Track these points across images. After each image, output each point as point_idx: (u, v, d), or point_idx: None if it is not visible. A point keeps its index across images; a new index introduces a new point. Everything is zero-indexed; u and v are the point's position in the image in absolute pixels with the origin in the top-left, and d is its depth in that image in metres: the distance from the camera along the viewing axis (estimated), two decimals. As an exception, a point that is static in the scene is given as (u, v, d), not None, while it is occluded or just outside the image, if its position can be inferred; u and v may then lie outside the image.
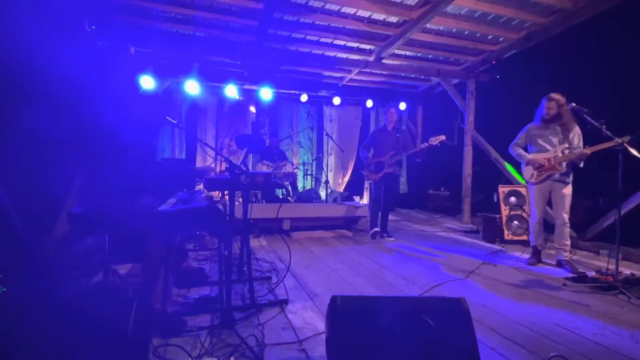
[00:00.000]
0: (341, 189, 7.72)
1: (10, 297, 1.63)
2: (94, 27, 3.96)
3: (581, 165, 3.22)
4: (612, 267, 2.84)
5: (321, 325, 2.07)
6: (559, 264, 3.38)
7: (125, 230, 2.03)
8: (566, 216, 3.27)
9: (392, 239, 4.49)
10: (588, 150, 3.09)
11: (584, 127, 3.06)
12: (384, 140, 4.57)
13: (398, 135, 4.55)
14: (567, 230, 3.28)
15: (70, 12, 3.11)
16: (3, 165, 2.15)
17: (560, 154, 3.24)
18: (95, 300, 1.69)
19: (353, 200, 6.31)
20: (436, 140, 4.13)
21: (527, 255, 3.71)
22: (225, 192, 4.06)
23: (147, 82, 5.30)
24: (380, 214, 4.59)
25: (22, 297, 1.60)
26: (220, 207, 2.67)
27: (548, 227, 3.65)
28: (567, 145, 3.24)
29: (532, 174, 3.43)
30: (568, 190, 3.28)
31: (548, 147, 3.34)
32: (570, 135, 3.26)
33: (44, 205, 2.44)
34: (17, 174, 2.23)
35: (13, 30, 2.18)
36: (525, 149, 3.58)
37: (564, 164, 3.24)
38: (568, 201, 3.27)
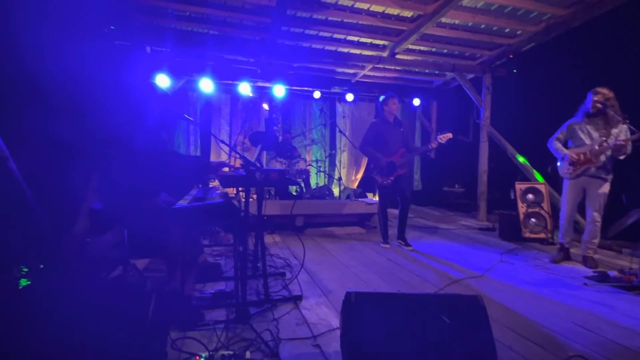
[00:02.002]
0: (354, 185, 7.70)
1: (34, 291, 1.69)
2: (112, 27, 4.04)
3: (621, 157, 3.05)
4: (635, 266, 2.77)
5: (335, 321, 2.08)
6: (584, 260, 3.30)
7: (144, 225, 2.07)
8: (597, 215, 3.17)
9: (410, 247, 3.95)
10: (622, 141, 2.96)
11: None
12: (389, 136, 3.99)
13: (402, 130, 4.06)
14: (598, 229, 3.19)
15: (90, 13, 3.17)
16: (27, 165, 2.22)
17: (597, 147, 3.10)
18: (115, 294, 1.74)
19: (366, 197, 6.29)
20: (444, 137, 3.85)
21: (545, 253, 3.63)
22: (240, 189, 4.09)
23: (162, 81, 5.39)
24: (398, 219, 4.07)
25: (46, 290, 1.65)
26: (236, 203, 2.70)
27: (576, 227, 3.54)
28: (605, 139, 3.09)
29: (568, 169, 3.31)
30: (605, 188, 3.15)
31: (587, 141, 3.22)
32: (616, 131, 3.09)
33: (65, 202, 2.51)
34: (39, 172, 2.30)
35: (33, 32, 2.25)
36: (566, 144, 3.44)
37: (601, 158, 3.10)
38: (603, 200, 3.15)
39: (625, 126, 3.08)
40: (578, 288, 2.72)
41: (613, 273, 2.88)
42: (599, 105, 3.09)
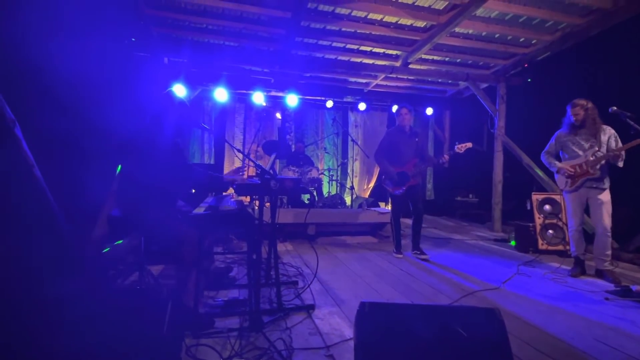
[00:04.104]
0: (366, 194, 7.68)
1: (51, 296, 1.73)
2: (133, 39, 4.18)
3: (620, 164, 3.04)
4: (659, 281, 2.67)
5: (348, 332, 2.07)
6: (600, 274, 3.21)
7: (160, 232, 2.11)
8: (607, 224, 3.09)
9: (426, 256, 3.91)
10: (617, 151, 2.97)
11: (627, 132, 2.91)
12: (403, 146, 3.98)
13: (417, 140, 4.00)
14: (609, 239, 3.10)
15: (111, 25, 3.30)
16: (48, 170, 2.30)
17: (592, 158, 3.12)
18: (131, 300, 1.76)
19: (378, 206, 6.25)
20: (462, 147, 3.73)
21: (565, 267, 3.54)
22: (255, 197, 4.13)
23: (179, 90, 5.51)
24: (411, 230, 4.07)
25: (63, 295, 1.69)
26: (250, 211, 2.73)
27: (587, 236, 3.47)
28: (597, 149, 3.11)
29: (566, 182, 3.30)
30: (605, 196, 3.12)
31: (580, 152, 3.23)
32: (604, 138, 3.12)
33: (85, 208, 2.58)
34: (60, 178, 2.37)
35: (54, 41, 2.34)
36: (558, 157, 3.46)
37: (597, 168, 3.10)
38: (607, 208, 3.10)
39: (613, 131, 3.13)
40: (599, 302, 2.64)
41: (636, 287, 2.78)
42: (580, 116, 3.17)
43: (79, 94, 2.59)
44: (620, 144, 3.09)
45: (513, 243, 4.78)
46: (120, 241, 2.79)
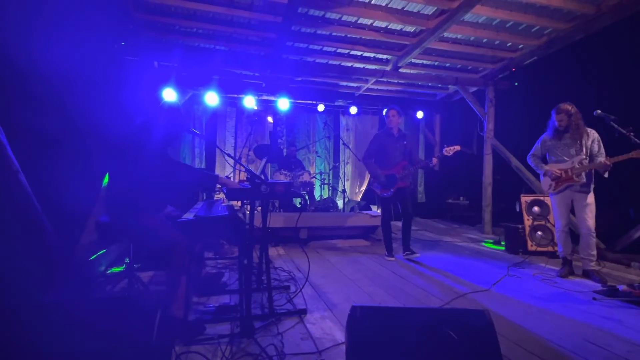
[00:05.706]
0: (358, 198, 7.69)
1: (37, 304, 1.69)
2: (123, 43, 4.14)
3: (605, 175, 3.11)
4: (644, 280, 2.72)
5: (340, 336, 2.06)
6: (586, 274, 3.26)
7: (149, 238, 2.08)
8: (591, 225, 3.15)
9: (417, 254, 4.00)
10: (609, 161, 3.01)
11: (612, 135, 2.97)
12: (391, 148, 4.02)
13: (405, 142, 4.04)
14: (593, 240, 3.16)
15: (102, 29, 3.27)
16: (36, 175, 2.26)
17: (577, 166, 3.17)
18: (120, 308, 1.73)
19: (370, 209, 6.28)
20: (450, 150, 3.76)
21: (551, 267, 3.59)
22: (246, 202, 4.10)
23: (169, 95, 5.47)
24: (401, 233, 4.12)
25: (49, 303, 1.65)
26: (240, 215, 2.71)
27: (574, 237, 3.53)
28: (584, 156, 3.18)
29: (550, 185, 3.36)
30: (590, 198, 3.19)
31: (565, 157, 3.29)
32: (588, 143, 3.19)
33: (72, 214, 2.54)
34: (47, 183, 2.33)
35: (49, 45, 2.31)
36: (544, 159, 3.53)
37: (582, 175, 3.16)
38: (591, 209, 3.17)
39: (596, 135, 3.20)
40: (587, 303, 2.68)
41: (622, 287, 2.83)
42: (563, 122, 3.22)
43: (67, 98, 2.55)
44: (602, 149, 3.16)
45: (487, 244, 4.98)
46: (104, 250, 2.74)
